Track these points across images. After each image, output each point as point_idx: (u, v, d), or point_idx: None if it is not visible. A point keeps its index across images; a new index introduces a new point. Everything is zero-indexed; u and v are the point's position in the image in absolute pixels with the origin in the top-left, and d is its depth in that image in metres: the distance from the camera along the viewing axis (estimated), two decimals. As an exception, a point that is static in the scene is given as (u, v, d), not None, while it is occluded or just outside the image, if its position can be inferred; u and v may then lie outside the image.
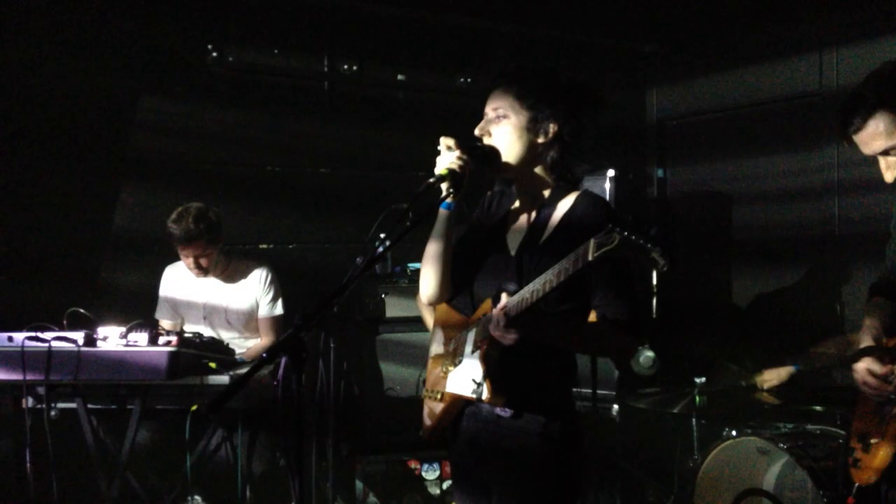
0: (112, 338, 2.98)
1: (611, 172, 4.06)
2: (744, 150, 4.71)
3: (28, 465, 2.98)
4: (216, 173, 4.21)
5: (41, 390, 3.01)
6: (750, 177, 4.68)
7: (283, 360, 1.93)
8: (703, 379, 3.33)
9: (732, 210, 4.77)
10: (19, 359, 2.90)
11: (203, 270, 3.64)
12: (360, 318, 3.92)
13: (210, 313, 3.74)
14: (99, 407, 3.13)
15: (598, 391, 3.63)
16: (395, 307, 3.94)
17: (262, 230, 4.32)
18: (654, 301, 4.17)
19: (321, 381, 3.10)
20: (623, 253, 1.69)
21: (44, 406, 3.01)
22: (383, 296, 3.94)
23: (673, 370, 3.77)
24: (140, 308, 3.70)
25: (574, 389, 2.13)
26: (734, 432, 3.22)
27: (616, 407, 3.87)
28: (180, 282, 3.77)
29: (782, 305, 4.46)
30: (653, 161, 5.27)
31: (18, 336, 2.94)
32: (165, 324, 3.71)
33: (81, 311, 3.06)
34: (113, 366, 2.94)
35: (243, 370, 3.14)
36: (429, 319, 2.30)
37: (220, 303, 3.74)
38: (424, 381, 2.28)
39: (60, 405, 3.09)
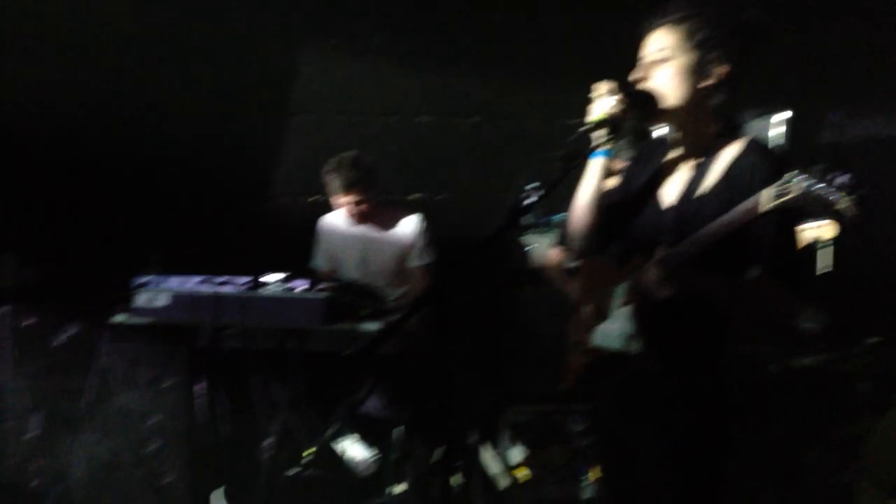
0: (274, 284, 3.12)
1: (781, 116, 3.78)
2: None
3: (196, 402, 3.22)
4: (369, 124, 4.29)
5: (209, 332, 3.22)
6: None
7: (432, 309, 1.95)
8: (875, 339, 3.11)
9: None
10: (190, 302, 3.11)
11: (360, 218, 3.74)
12: (506, 269, 3.92)
13: (364, 261, 3.85)
14: (262, 349, 3.31)
15: (756, 349, 3.46)
16: (542, 258, 3.90)
17: (413, 180, 4.38)
18: (824, 256, 3.91)
19: (468, 331, 3.12)
20: (800, 204, 1.58)
21: (213, 346, 3.23)
22: (530, 247, 3.91)
23: (841, 329, 3.53)
24: (300, 256, 3.87)
25: (728, 347, 2.03)
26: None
27: (776, 365, 3.68)
28: (336, 231, 3.89)
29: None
30: (828, 103, 4.87)
31: (190, 280, 3.15)
32: (322, 271, 3.86)
33: (247, 257, 3.23)
34: (274, 310, 3.09)
35: (395, 318, 3.22)
36: (564, 272, 2.26)
37: (374, 251, 3.84)
38: (570, 334, 2.25)
39: (228, 346, 3.29)
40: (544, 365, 3.78)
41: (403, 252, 3.84)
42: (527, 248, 3.92)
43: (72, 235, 3.72)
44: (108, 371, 3.39)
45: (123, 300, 3.26)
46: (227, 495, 3.35)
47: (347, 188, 3.64)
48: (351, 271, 3.85)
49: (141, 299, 3.19)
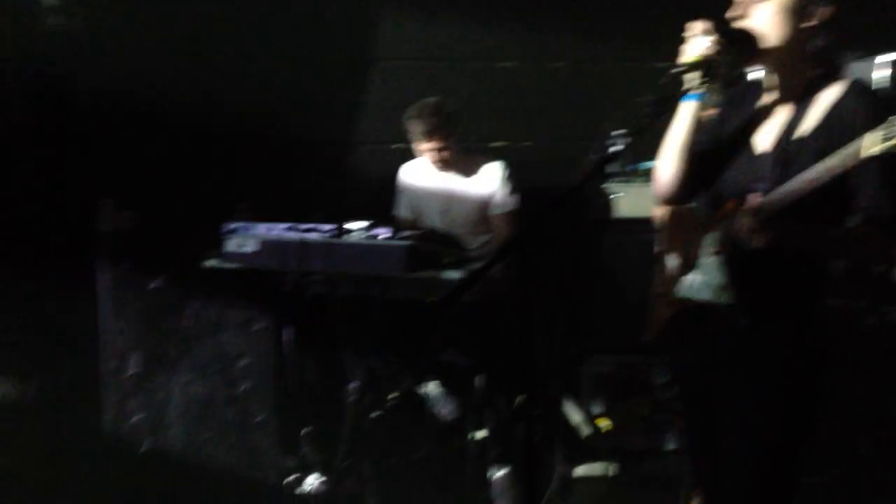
0: (358, 231, 3.16)
1: (886, 57, 3.55)
2: None
3: (284, 342, 3.32)
4: (452, 70, 4.25)
5: (296, 277, 3.30)
6: None
7: (516, 258, 1.94)
8: None
9: None
10: (277, 248, 3.18)
11: (442, 164, 3.74)
12: (590, 217, 3.86)
13: (446, 209, 3.85)
14: (346, 294, 3.38)
15: (854, 300, 3.32)
16: (626, 207, 3.83)
17: (496, 127, 4.34)
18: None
19: (552, 280, 3.11)
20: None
21: (299, 291, 3.31)
22: (615, 195, 3.84)
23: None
24: (383, 203, 3.91)
25: (823, 299, 1.96)
26: None
27: (872, 319, 3.53)
28: (418, 179, 3.90)
29: None
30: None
31: (277, 227, 3.22)
32: (405, 219, 3.89)
33: (332, 205, 3.28)
34: (358, 257, 3.13)
35: (478, 266, 3.22)
36: (662, 219, 2.20)
37: (456, 198, 3.84)
38: (655, 284, 2.20)
39: (314, 291, 3.36)
40: (627, 315, 3.75)
41: (486, 200, 3.83)
42: (612, 197, 3.85)
43: (167, 183, 3.84)
44: (201, 313, 3.52)
45: (214, 246, 3.36)
46: (311, 437, 3.47)
47: (429, 134, 3.64)
48: (433, 219, 3.86)
49: (231, 245, 3.28)
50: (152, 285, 3.71)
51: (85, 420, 3.43)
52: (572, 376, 3.62)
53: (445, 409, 3.53)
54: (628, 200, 3.81)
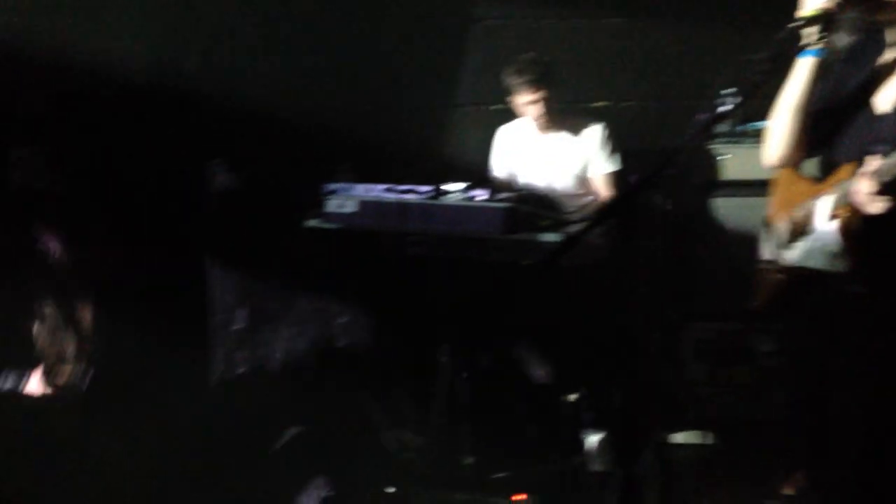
0: (456, 192, 3.17)
1: None
2: None
3: (384, 301, 3.37)
4: (552, 29, 4.17)
5: (394, 237, 3.34)
6: None
7: (617, 221, 1.90)
8: None
9: None
10: (377, 208, 3.22)
11: (541, 123, 3.69)
12: (697, 180, 3.73)
13: (545, 170, 3.81)
14: (444, 255, 3.40)
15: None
16: (735, 169, 3.68)
17: (597, 87, 4.24)
18: None
19: (653, 244, 3.03)
20: None
21: (398, 251, 3.35)
22: (724, 157, 3.70)
23: None
24: (481, 165, 3.90)
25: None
26: None
27: None
28: (515, 141, 3.87)
29: None
30: None
31: (377, 187, 3.26)
32: (502, 181, 3.87)
33: (430, 166, 3.29)
34: (456, 218, 3.14)
35: (576, 229, 3.18)
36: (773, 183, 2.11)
37: (555, 159, 3.78)
38: (763, 250, 2.12)
39: (411, 251, 3.40)
40: (732, 281, 3.64)
41: (586, 160, 3.76)
42: (720, 158, 3.71)
43: (272, 145, 3.94)
44: (302, 271, 3.62)
45: (316, 206, 3.43)
46: (406, 396, 3.53)
47: (528, 86, 3.60)
48: (531, 180, 3.83)
49: (331, 205, 3.34)
50: (256, 243, 3.84)
51: (193, 372, 3.58)
52: (672, 343, 3.55)
53: (538, 373, 3.53)
54: (737, 162, 3.67)
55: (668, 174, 1.76)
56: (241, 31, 4.02)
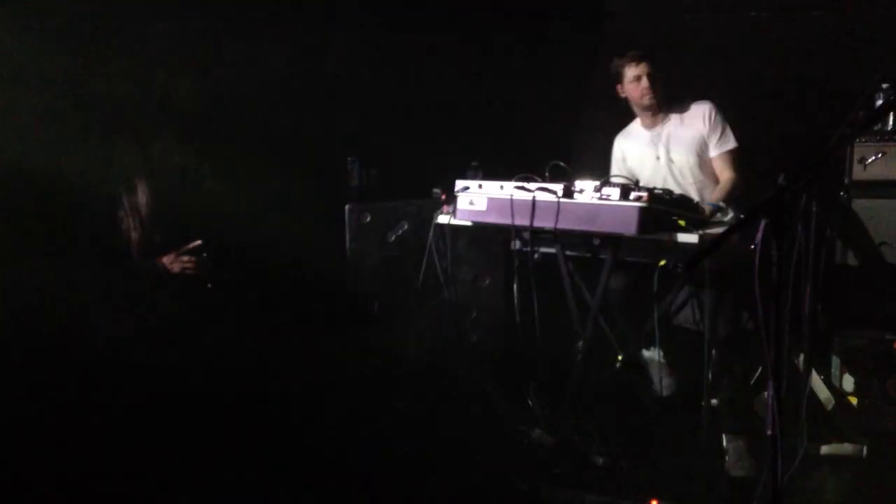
0: (587, 191, 3.12)
1: None
2: None
3: (515, 297, 3.38)
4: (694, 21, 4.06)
5: (526, 235, 3.34)
6: None
7: (763, 223, 1.83)
8: None
9: None
10: (509, 206, 3.23)
11: (648, 96, 3.63)
12: (846, 180, 3.52)
13: (663, 159, 3.71)
14: (574, 254, 3.37)
15: None
16: (886, 169, 3.44)
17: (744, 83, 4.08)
18: None
19: (800, 247, 2.89)
20: None
21: (528, 249, 3.35)
22: (876, 157, 3.47)
23: None
24: (606, 165, 3.85)
25: None
26: None
27: None
28: (632, 142, 3.81)
29: None
30: None
31: (508, 185, 3.26)
32: (628, 181, 3.78)
33: (561, 164, 3.27)
34: (587, 217, 3.09)
35: (712, 230, 3.08)
36: None
37: (672, 146, 3.69)
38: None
39: (542, 249, 3.39)
40: (884, 287, 3.41)
41: (701, 141, 3.65)
42: (870, 160, 3.46)
43: (405, 144, 4.04)
44: (434, 266, 3.68)
45: (447, 202, 3.48)
46: (536, 393, 3.52)
47: (632, 61, 3.61)
48: (652, 173, 3.73)
49: (462, 202, 3.38)
50: (390, 237, 3.94)
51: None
52: (821, 350, 3.37)
53: (667, 380, 3.45)
54: (889, 162, 3.42)
55: (816, 174, 1.67)
56: (375, 38, 4.16)
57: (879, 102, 1.64)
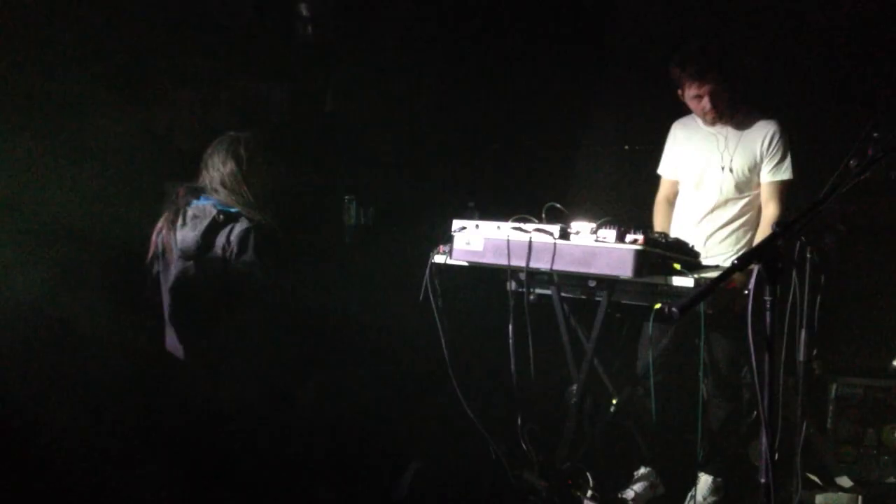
0: (583, 232, 3.12)
1: None
2: None
3: (510, 338, 3.36)
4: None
5: (522, 276, 3.33)
6: None
7: (757, 268, 1.83)
8: None
9: None
10: (505, 246, 3.23)
11: (715, 113, 3.43)
12: (841, 227, 3.52)
13: (710, 162, 3.54)
14: (570, 296, 3.35)
15: None
16: (884, 216, 3.47)
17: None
18: None
19: (794, 293, 2.88)
20: None
21: (524, 290, 3.34)
22: (871, 202, 3.49)
23: None
24: (610, 203, 3.84)
25: None
26: None
27: None
28: (687, 134, 3.63)
29: None
30: None
31: (505, 226, 3.26)
32: (666, 181, 3.71)
33: (558, 205, 3.27)
34: (583, 259, 3.09)
35: (708, 274, 3.08)
36: None
37: (723, 150, 3.52)
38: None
39: (538, 290, 3.37)
40: (880, 334, 3.41)
41: (755, 160, 3.44)
42: (866, 205, 3.48)
43: (402, 184, 4.05)
44: (428, 306, 3.66)
45: (444, 242, 3.48)
46: (530, 434, 3.48)
47: (692, 80, 3.36)
48: (696, 175, 3.59)
49: (458, 242, 3.37)
50: (387, 274, 3.94)
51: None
52: (816, 398, 3.34)
53: (661, 423, 3.41)
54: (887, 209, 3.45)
55: (813, 221, 1.67)
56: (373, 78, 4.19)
57: (871, 153, 1.65)
